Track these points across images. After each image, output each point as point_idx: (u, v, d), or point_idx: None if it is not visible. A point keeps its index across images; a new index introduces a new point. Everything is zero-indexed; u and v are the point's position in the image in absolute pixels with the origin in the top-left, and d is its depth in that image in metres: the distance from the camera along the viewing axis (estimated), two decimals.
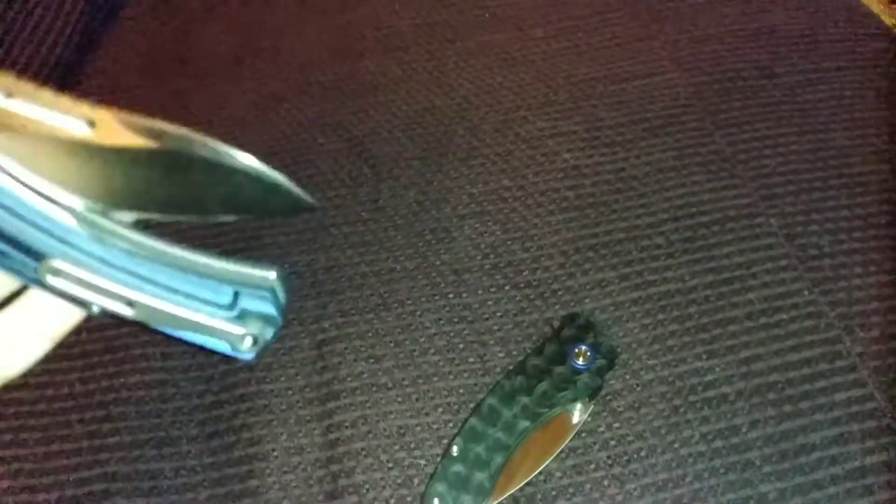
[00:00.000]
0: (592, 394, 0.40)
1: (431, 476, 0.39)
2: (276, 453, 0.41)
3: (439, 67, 0.61)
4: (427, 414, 0.42)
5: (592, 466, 0.39)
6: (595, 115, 0.55)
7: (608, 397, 0.42)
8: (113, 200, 0.27)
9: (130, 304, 0.27)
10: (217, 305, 0.27)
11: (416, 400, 0.42)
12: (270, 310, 0.27)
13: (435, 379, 0.43)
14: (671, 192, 0.50)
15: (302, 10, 0.68)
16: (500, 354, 0.44)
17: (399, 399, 0.42)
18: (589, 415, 0.40)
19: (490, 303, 0.46)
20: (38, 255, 0.26)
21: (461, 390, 0.42)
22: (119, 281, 0.27)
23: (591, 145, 0.53)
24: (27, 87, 0.25)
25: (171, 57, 0.65)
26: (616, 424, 0.41)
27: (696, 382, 0.42)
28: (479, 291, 0.46)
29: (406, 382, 0.43)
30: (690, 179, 0.51)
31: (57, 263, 0.26)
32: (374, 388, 0.43)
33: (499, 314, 0.45)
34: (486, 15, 0.65)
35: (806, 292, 0.45)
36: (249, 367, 0.44)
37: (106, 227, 0.26)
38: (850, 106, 0.55)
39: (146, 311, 0.27)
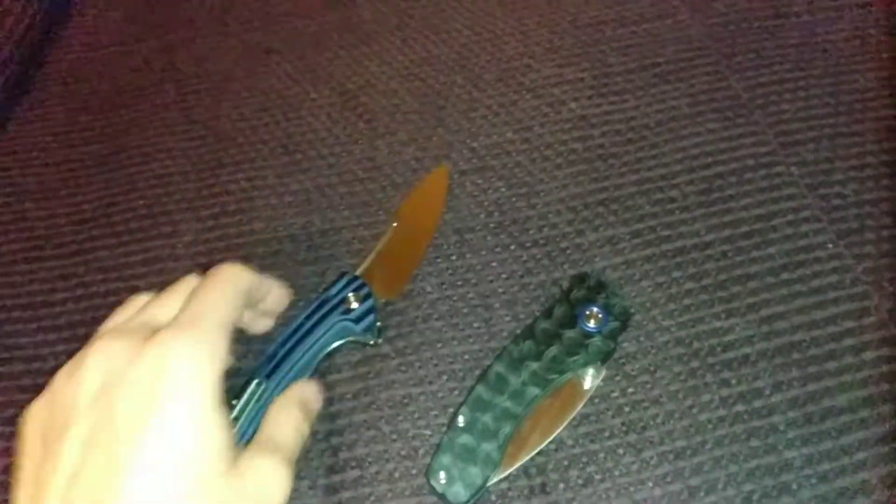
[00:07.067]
0: (605, 358, 0.38)
1: (437, 447, 0.37)
2: None
3: (437, 14, 0.57)
4: (431, 382, 0.40)
5: (606, 434, 0.38)
6: (603, 60, 0.52)
7: (622, 361, 0.39)
8: None
9: None
10: None
11: (419, 368, 0.40)
12: None
13: (438, 346, 0.41)
14: (685, 141, 0.47)
15: None
16: (507, 318, 0.41)
17: (402, 368, 0.40)
18: (602, 380, 0.38)
19: (495, 264, 0.43)
20: None
21: (466, 357, 0.40)
22: None
23: (599, 93, 0.50)
24: None
25: (154, 9, 0.62)
26: (630, 389, 0.39)
27: (715, 343, 0.40)
28: (483, 252, 0.44)
29: (408, 350, 0.41)
30: (705, 127, 0.48)
31: None
32: (376, 358, 0.41)
33: (504, 276, 0.43)
34: None
35: (830, 245, 0.42)
36: (248, 339, 0.41)
37: None
38: (873, 44, 0.52)
39: None
